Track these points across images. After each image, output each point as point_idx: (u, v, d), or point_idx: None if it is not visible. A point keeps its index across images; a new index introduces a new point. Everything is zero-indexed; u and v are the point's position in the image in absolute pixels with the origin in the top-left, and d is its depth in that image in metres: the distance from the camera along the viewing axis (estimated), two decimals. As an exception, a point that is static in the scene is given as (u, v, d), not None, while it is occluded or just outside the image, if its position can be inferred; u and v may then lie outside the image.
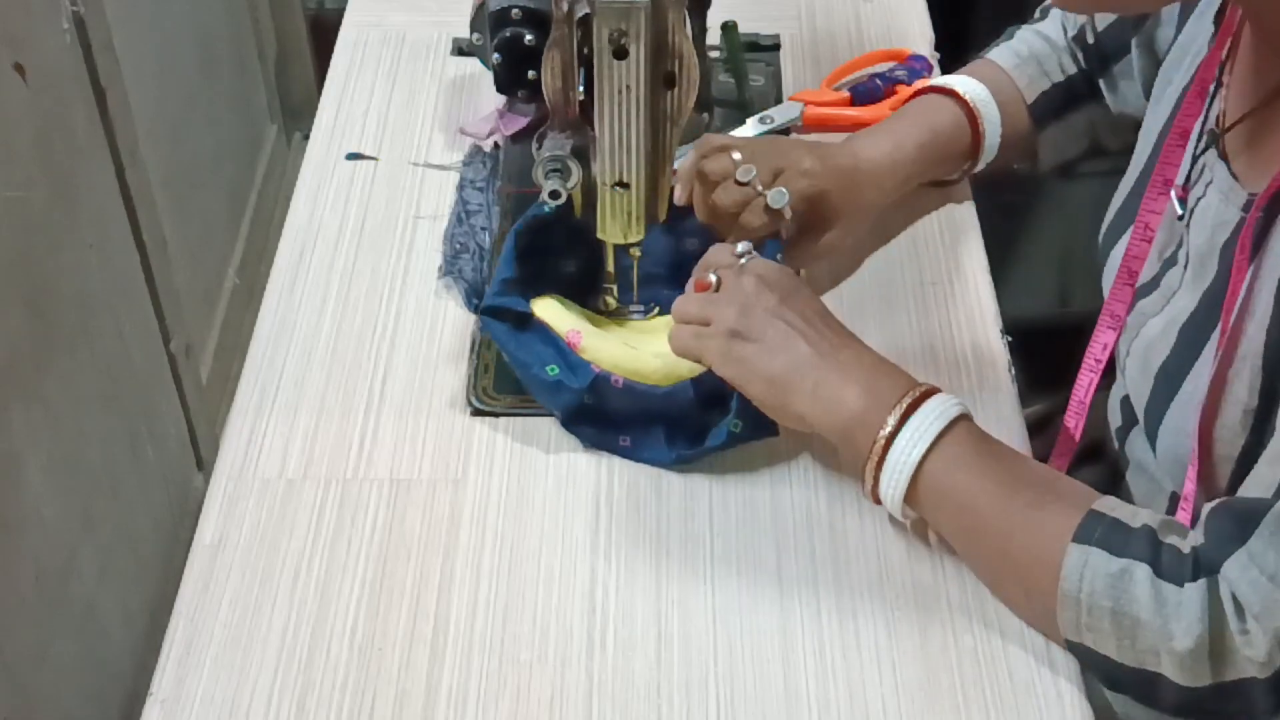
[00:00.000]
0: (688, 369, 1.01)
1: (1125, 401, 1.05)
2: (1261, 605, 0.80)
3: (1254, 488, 0.84)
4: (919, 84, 1.28)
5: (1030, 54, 1.18)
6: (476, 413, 1.05)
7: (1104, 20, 1.15)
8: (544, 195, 1.00)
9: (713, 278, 0.99)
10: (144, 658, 1.37)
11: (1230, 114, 0.94)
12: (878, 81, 1.30)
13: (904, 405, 0.92)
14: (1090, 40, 1.16)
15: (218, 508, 1.00)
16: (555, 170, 1.00)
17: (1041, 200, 1.87)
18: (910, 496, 0.93)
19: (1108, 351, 1.03)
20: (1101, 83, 1.16)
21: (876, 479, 0.93)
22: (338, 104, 1.31)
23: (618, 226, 1.02)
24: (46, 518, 1.26)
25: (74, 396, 1.33)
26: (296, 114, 2.32)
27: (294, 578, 0.96)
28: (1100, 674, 0.88)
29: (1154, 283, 0.99)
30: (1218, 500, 0.86)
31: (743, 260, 1.00)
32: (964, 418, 0.93)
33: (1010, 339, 1.11)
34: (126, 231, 1.49)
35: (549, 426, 1.04)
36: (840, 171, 1.10)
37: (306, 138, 1.30)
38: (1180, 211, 0.97)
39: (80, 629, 1.33)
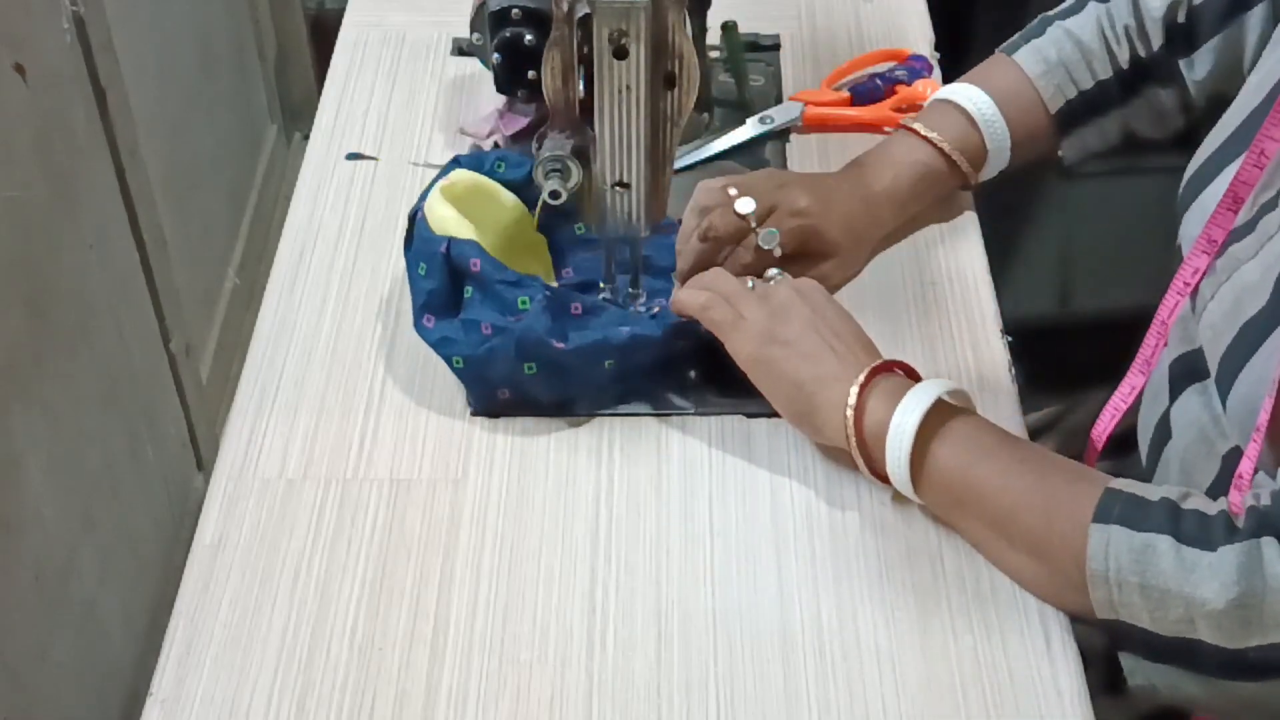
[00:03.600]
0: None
1: (1177, 364, 1.03)
2: None
3: None
4: (921, 84, 1.28)
5: (1059, 60, 1.15)
6: (476, 413, 1.05)
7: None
8: (544, 195, 1.00)
9: (750, 282, 1.02)
10: (144, 658, 1.37)
11: None
12: (878, 81, 1.30)
13: (865, 373, 0.94)
14: (1181, 19, 1.13)
15: (218, 508, 1.00)
16: (555, 170, 1.00)
17: (1041, 200, 1.87)
18: (915, 475, 0.94)
19: (1199, 276, 1.00)
20: (1181, 64, 1.14)
21: (865, 454, 0.95)
22: (338, 104, 1.31)
23: (618, 225, 1.02)
24: (46, 518, 1.26)
25: (74, 396, 1.33)
26: (296, 114, 2.32)
27: (294, 578, 0.96)
28: (1140, 645, 0.88)
29: (1249, 227, 0.96)
30: None
31: (773, 282, 1.02)
32: (957, 403, 0.94)
33: (1010, 339, 1.11)
34: (126, 231, 1.49)
35: (549, 427, 1.04)
36: (836, 210, 1.10)
37: (306, 138, 1.30)
38: None
39: (80, 629, 1.33)
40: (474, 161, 1.10)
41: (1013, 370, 1.09)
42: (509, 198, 1.09)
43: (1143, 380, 1.05)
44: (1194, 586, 0.83)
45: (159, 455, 1.54)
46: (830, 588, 0.95)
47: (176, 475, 1.60)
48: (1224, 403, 0.95)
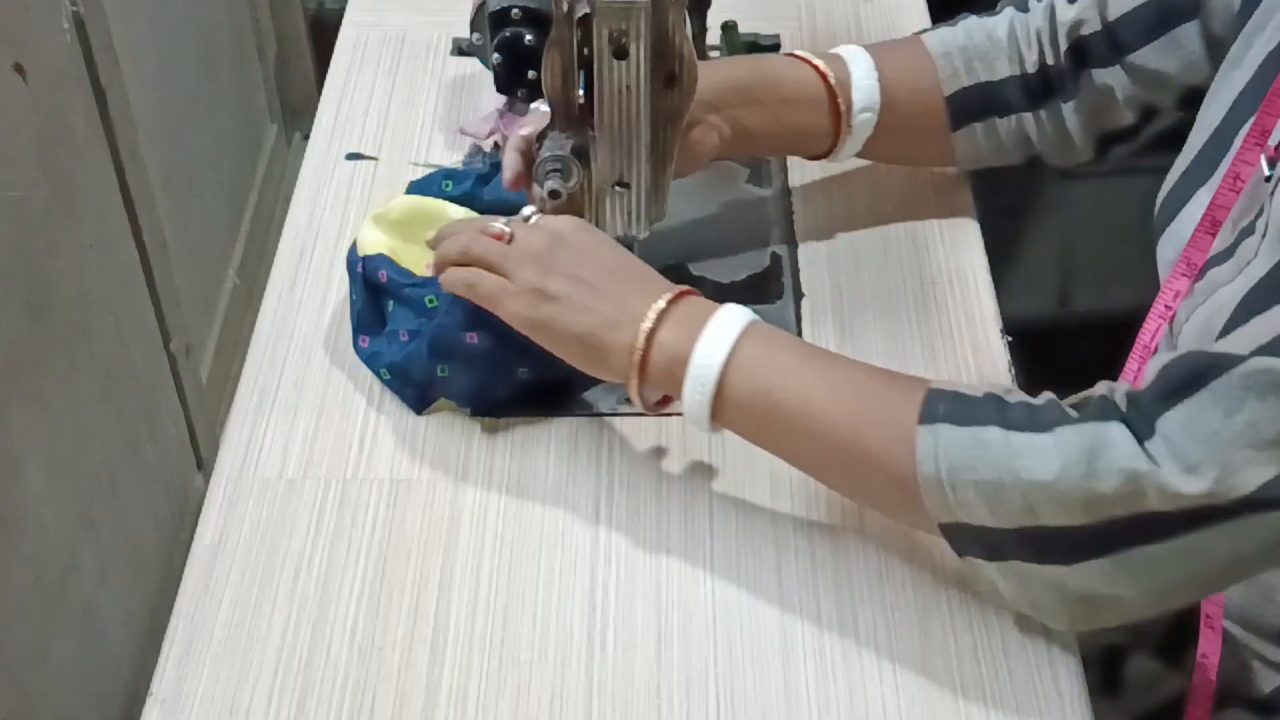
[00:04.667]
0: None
1: None
2: (1204, 452, 0.79)
3: (1233, 345, 0.82)
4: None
5: (963, 46, 1.12)
6: (476, 413, 1.05)
7: (1120, 9, 1.08)
8: (544, 195, 1.00)
9: (503, 227, 0.97)
10: (144, 658, 1.37)
11: None
12: (878, 81, 1.29)
13: (664, 300, 0.92)
14: (1088, 31, 1.09)
15: (218, 508, 1.00)
16: (555, 170, 1.00)
17: (1041, 200, 1.88)
18: (719, 405, 0.91)
19: (1179, 299, 1.00)
20: (1095, 75, 1.10)
21: (642, 376, 0.93)
22: (338, 104, 1.31)
23: (617, 226, 1.02)
24: (46, 518, 1.26)
25: (74, 397, 1.33)
26: (296, 114, 2.32)
27: (294, 578, 0.96)
28: (979, 544, 0.86)
29: (1228, 252, 0.96)
30: (1184, 351, 0.84)
31: (531, 221, 0.99)
32: (756, 324, 0.92)
33: (1010, 339, 1.11)
34: (126, 231, 1.49)
35: (549, 427, 1.04)
36: None
37: (306, 138, 1.30)
38: (1269, 173, 0.93)
39: (80, 629, 1.33)
40: (422, 185, 1.12)
41: (1013, 370, 1.09)
42: (457, 212, 1.09)
43: None
44: (1028, 470, 0.82)
45: (159, 455, 1.54)
46: (830, 588, 0.95)
47: (176, 475, 1.60)
48: None
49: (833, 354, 0.94)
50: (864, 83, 1.10)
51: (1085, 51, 1.09)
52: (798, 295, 1.14)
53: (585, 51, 0.95)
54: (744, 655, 0.92)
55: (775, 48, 1.37)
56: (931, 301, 1.14)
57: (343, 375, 1.08)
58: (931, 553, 0.96)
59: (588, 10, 0.93)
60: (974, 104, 1.13)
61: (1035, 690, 0.89)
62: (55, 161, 1.30)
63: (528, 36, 1.07)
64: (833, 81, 1.09)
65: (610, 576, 0.96)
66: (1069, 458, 0.81)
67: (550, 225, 0.97)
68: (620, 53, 0.93)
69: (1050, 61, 1.11)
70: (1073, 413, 0.84)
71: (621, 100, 0.95)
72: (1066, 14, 1.10)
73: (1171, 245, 1.01)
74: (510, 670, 0.91)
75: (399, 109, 1.31)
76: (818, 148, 1.13)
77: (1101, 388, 0.86)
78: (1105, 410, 0.83)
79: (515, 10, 1.07)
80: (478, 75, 1.32)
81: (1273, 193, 0.92)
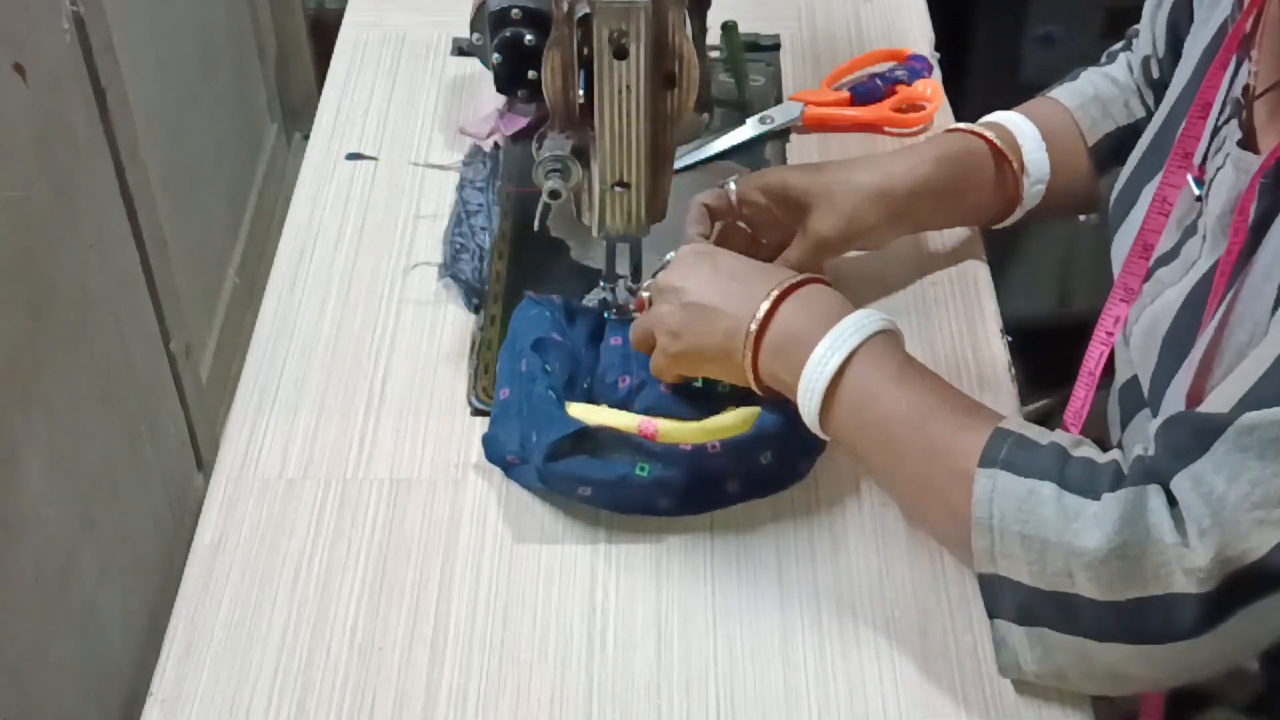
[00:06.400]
0: (741, 417, 0.99)
1: (1126, 390, 1.03)
2: (1212, 519, 0.78)
3: (1216, 403, 0.82)
4: (921, 84, 1.27)
5: (1095, 95, 1.15)
6: (476, 413, 1.05)
7: (1163, 49, 1.11)
8: (544, 195, 1.00)
9: (643, 294, 1.00)
10: (144, 658, 1.37)
11: (1260, 83, 0.92)
12: (878, 81, 1.30)
13: (780, 288, 0.92)
14: (1156, 75, 1.13)
15: (218, 508, 1.00)
16: (555, 170, 1.00)
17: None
18: (826, 411, 0.91)
19: (1120, 324, 1.01)
20: None
21: (756, 363, 0.92)
22: (338, 104, 1.31)
23: (618, 225, 1.02)
24: (46, 518, 1.26)
25: (74, 396, 1.33)
26: (296, 114, 2.32)
27: (294, 578, 0.96)
28: (1013, 605, 0.85)
29: (1174, 252, 0.97)
30: (1174, 413, 0.84)
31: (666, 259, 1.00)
32: (886, 333, 0.91)
33: (1010, 339, 1.11)
34: (126, 231, 1.49)
35: (549, 426, 1.04)
36: (818, 186, 1.08)
37: (306, 138, 1.30)
38: (1198, 192, 0.95)
39: (80, 629, 1.33)
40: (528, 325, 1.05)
41: (1012, 370, 1.09)
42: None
43: (1076, 434, 1.03)
44: (1075, 535, 0.81)
45: (159, 455, 1.54)
46: (830, 588, 0.95)
47: (176, 475, 1.60)
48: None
49: (926, 377, 0.92)
50: (1034, 155, 1.11)
51: (1165, 88, 1.10)
52: (798, 295, 1.14)
53: (585, 51, 0.95)
54: (744, 655, 0.92)
55: (775, 48, 1.37)
56: (931, 301, 1.14)
57: (343, 375, 1.08)
58: (931, 553, 0.96)
59: (588, 10, 0.93)
60: (1117, 148, 1.14)
61: (1035, 690, 0.89)
62: (55, 161, 1.30)
63: (528, 36, 1.07)
64: (1014, 165, 1.11)
65: (610, 576, 0.96)
66: (1110, 526, 0.80)
67: (669, 269, 0.98)
68: (620, 53, 0.93)
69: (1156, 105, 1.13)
70: (1125, 475, 0.83)
71: (621, 100, 0.95)
72: (1137, 57, 1.14)
73: (1124, 242, 1.02)
74: (510, 670, 0.91)
75: (399, 109, 1.31)
76: (983, 219, 1.16)
77: (1136, 449, 0.85)
78: (1142, 473, 0.82)
79: (515, 10, 1.07)
80: (478, 75, 1.32)
81: (1207, 196, 0.93)
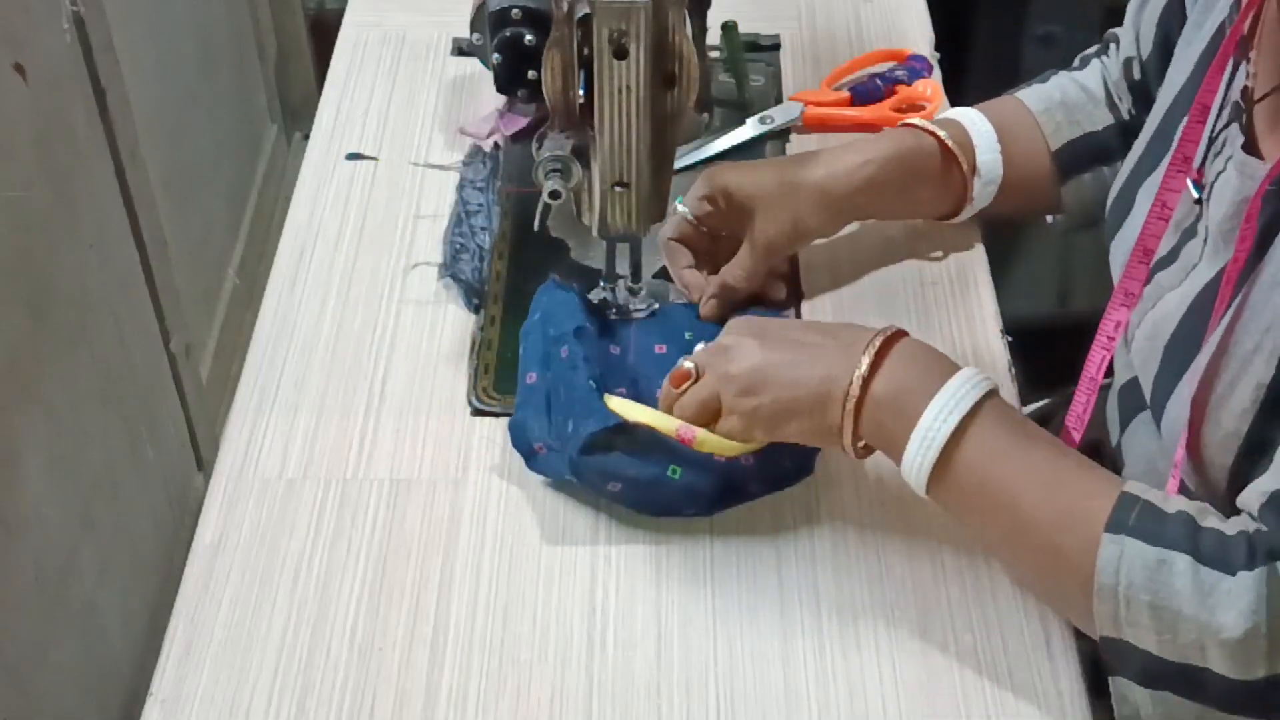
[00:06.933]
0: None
1: (1125, 391, 1.03)
2: None
3: (1231, 416, 0.82)
4: (921, 84, 1.27)
5: (1062, 100, 1.14)
6: (476, 413, 1.05)
7: (1148, 51, 1.10)
8: (544, 195, 1.00)
9: (689, 365, 0.96)
10: (144, 658, 1.37)
11: (1260, 87, 0.91)
12: (878, 81, 1.30)
13: (877, 344, 0.90)
14: (1137, 76, 1.12)
15: (218, 508, 1.00)
16: (555, 170, 1.00)
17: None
18: (937, 475, 0.89)
19: (1120, 329, 1.00)
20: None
21: (857, 422, 0.90)
22: (338, 104, 1.31)
23: (618, 225, 1.02)
24: (46, 518, 1.26)
25: (74, 396, 1.33)
26: (296, 114, 2.32)
27: (294, 578, 0.96)
28: (1137, 670, 0.84)
29: (1172, 255, 0.97)
30: (1276, 489, 0.83)
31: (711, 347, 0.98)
32: (995, 392, 0.90)
33: (1010, 339, 1.11)
34: (126, 231, 1.49)
35: (549, 426, 1.04)
36: (761, 190, 1.08)
37: (306, 138, 1.30)
38: (1197, 195, 0.95)
39: (80, 629, 1.33)
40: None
41: (1012, 370, 1.09)
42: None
43: (1077, 438, 1.03)
44: (1211, 611, 0.80)
45: (159, 455, 1.54)
46: (830, 588, 0.95)
47: (176, 475, 1.60)
48: (1160, 429, 0.95)
49: (1039, 438, 0.90)
50: (987, 156, 1.11)
51: (1146, 92, 1.10)
52: (798, 295, 1.14)
53: (585, 51, 0.95)
54: (744, 655, 0.92)
55: (775, 48, 1.37)
56: (931, 301, 1.14)
57: (343, 375, 1.08)
58: (932, 553, 0.96)
59: (588, 10, 0.93)
60: (1081, 155, 1.14)
61: (1035, 690, 0.90)
62: (55, 161, 1.30)
63: (528, 36, 1.07)
64: (964, 166, 1.11)
65: (610, 576, 0.96)
66: (1247, 605, 0.79)
67: (723, 338, 0.97)
68: (620, 53, 0.93)
69: (1137, 109, 1.13)
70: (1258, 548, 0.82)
71: (621, 100, 0.95)
72: (1116, 61, 1.13)
73: (1121, 248, 1.02)
74: (510, 670, 0.91)
75: (399, 109, 1.31)
76: (931, 214, 1.16)
77: (1243, 520, 0.84)
78: (1267, 552, 0.81)
79: (515, 10, 1.07)
80: (478, 75, 1.32)
81: (1207, 200, 0.93)
